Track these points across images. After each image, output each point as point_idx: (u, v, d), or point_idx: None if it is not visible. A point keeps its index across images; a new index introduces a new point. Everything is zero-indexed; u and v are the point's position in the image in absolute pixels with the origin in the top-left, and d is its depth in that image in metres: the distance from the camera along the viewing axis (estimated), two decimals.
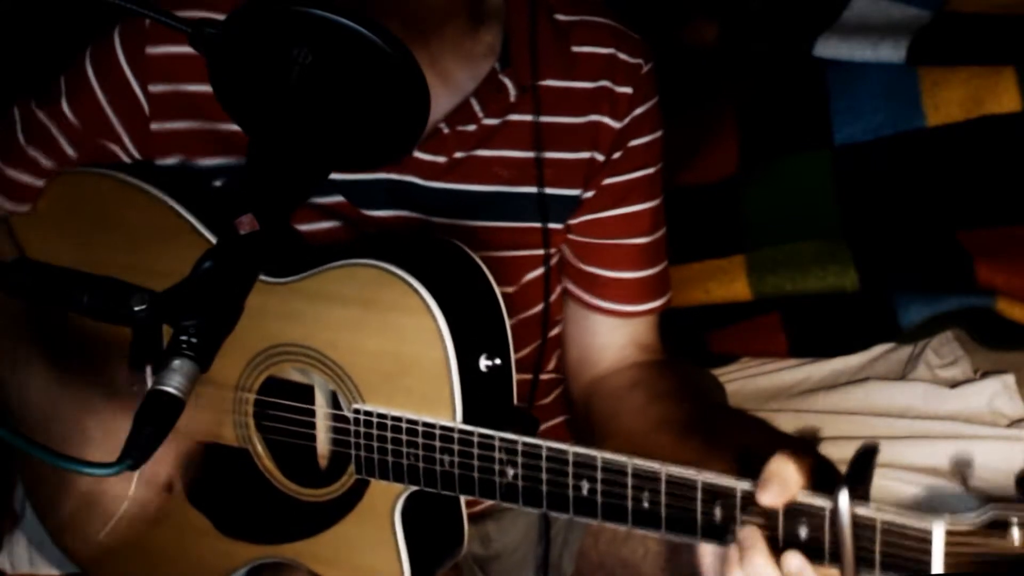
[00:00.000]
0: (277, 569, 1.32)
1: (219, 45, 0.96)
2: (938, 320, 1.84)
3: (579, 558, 1.48)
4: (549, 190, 1.36)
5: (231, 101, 0.98)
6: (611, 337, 1.45)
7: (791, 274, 1.90)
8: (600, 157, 1.38)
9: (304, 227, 1.32)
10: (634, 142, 1.40)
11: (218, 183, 1.33)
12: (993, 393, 1.78)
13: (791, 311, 1.91)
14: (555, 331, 1.48)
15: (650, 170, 1.43)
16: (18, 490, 1.67)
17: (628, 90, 1.38)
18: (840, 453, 1.61)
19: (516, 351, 1.23)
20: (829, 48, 2.02)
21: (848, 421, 1.78)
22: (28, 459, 1.43)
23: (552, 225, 1.38)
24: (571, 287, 1.45)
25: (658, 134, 1.43)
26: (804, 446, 1.38)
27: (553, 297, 1.43)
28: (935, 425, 1.74)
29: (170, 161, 1.33)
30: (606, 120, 1.37)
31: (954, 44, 1.96)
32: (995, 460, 1.68)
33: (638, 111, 1.39)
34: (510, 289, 1.37)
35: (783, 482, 1.05)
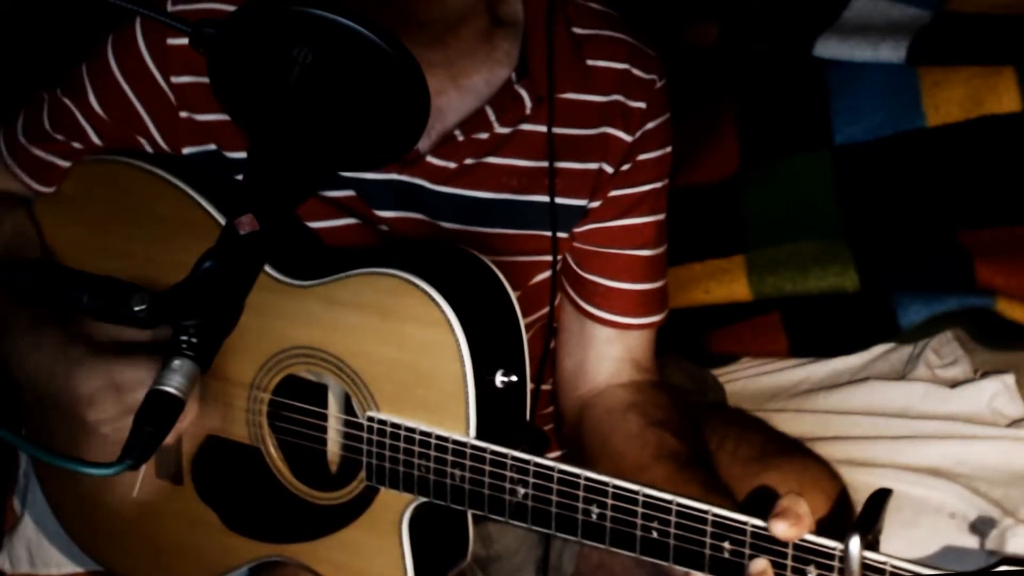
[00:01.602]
0: (277, 569, 1.32)
1: (219, 45, 0.96)
2: (938, 320, 1.84)
3: (579, 558, 1.48)
4: (557, 200, 1.36)
5: (231, 101, 0.98)
6: (607, 349, 1.45)
7: (791, 274, 1.90)
8: (609, 169, 1.38)
9: (318, 224, 1.32)
10: (643, 156, 1.40)
11: (241, 177, 1.33)
12: (993, 393, 1.78)
13: (791, 311, 1.91)
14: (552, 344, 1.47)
15: (657, 184, 1.43)
16: (17, 490, 1.67)
17: (642, 105, 1.38)
18: (840, 453, 1.62)
19: None
20: (829, 48, 2.02)
21: (848, 421, 1.77)
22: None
23: (558, 234, 1.38)
24: (570, 293, 1.45)
25: (667, 150, 1.43)
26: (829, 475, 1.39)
27: (556, 302, 1.43)
28: (935, 425, 1.74)
29: (200, 150, 1.32)
30: (618, 133, 1.37)
31: (954, 44, 1.95)
32: (995, 460, 1.68)
33: (650, 126, 1.39)
34: (516, 294, 1.37)
35: (797, 516, 1.05)
